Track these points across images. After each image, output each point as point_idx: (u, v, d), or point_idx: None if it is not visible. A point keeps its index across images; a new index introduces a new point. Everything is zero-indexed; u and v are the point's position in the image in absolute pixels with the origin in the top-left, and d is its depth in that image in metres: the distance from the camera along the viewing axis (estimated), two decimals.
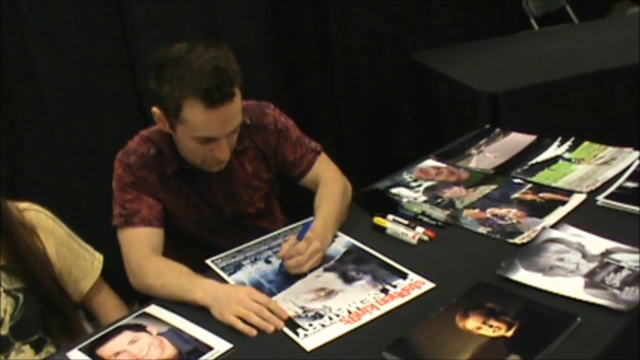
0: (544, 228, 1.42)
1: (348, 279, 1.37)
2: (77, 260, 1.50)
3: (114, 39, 2.34)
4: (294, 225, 1.60)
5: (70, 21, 2.24)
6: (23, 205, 1.45)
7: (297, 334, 1.22)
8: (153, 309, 1.36)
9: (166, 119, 1.45)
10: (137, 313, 1.36)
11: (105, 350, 1.26)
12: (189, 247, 1.61)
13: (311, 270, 1.40)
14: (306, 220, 1.55)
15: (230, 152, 1.50)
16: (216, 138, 1.43)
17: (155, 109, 1.46)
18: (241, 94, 1.43)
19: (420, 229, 1.48)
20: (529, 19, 3.70)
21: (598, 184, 1.57)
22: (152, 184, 1.54)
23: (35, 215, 1.45)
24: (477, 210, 1.55)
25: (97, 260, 1.55)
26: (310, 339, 1.20)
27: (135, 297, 1.51)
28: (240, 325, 1.24)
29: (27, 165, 2.30)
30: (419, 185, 1.73)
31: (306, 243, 1.40)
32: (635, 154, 1.68)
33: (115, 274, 1.55)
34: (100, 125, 2.34)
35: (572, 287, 1.20)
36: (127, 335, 1.29)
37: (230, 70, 1.39)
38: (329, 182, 1.63)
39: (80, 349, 1.28)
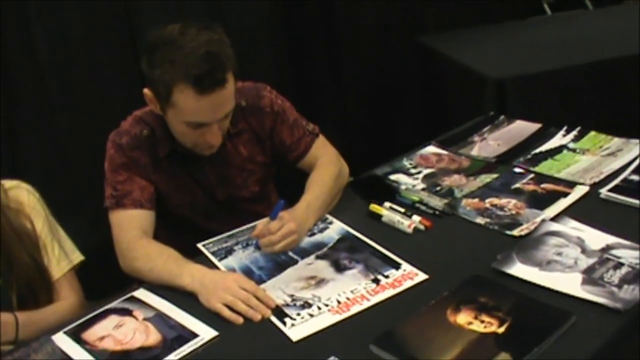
0: (543, 220, 1.38)
1: (340, 268, 1.33)
2: (45, 251, 1.45)
3: (116, 17, 2.30)
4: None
5: None
6: (10, 183, 1.43)
7: (284, 323, 1.19)
8: (141, 293, 1.34)
9: (157, 101, 1.41)
10: (125, 297, 1.34)
11: (90, 334, 1.24)
12: (182, 230, 1.58)
13: (302, 258, 1.38)
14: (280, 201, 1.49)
15: (222, 136, 1.46)
16: (207, 123, 1.40)
17: (146, 91, 1.42)
18: (234, 78, 1.39)
19: (416, 218, 1.45)
20: (542, 3, 3.62)
21: (602, 176, 1.53)
22: (144, 165, 1.51)
23: (20, 193, 1.43)
24: (476, 200, 1.51)
25: (65, 263, 1.48)
26: (297, 328, 1.17)
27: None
28: (227, 313, 1.22)
29: (26, 145, 2.28)
30: (419, 173, 1.68)
31: (279, 223, 1.35)
32: None
33: (112, 256, 1.52)
34: (101, 105, 2.31)
35: (569, 283, 1.16)
36: (113, 319, 1.27)
37: (223, 55, 1.35)
38: (324, 165, 1.59)
39: (65, 332, 1.26)
